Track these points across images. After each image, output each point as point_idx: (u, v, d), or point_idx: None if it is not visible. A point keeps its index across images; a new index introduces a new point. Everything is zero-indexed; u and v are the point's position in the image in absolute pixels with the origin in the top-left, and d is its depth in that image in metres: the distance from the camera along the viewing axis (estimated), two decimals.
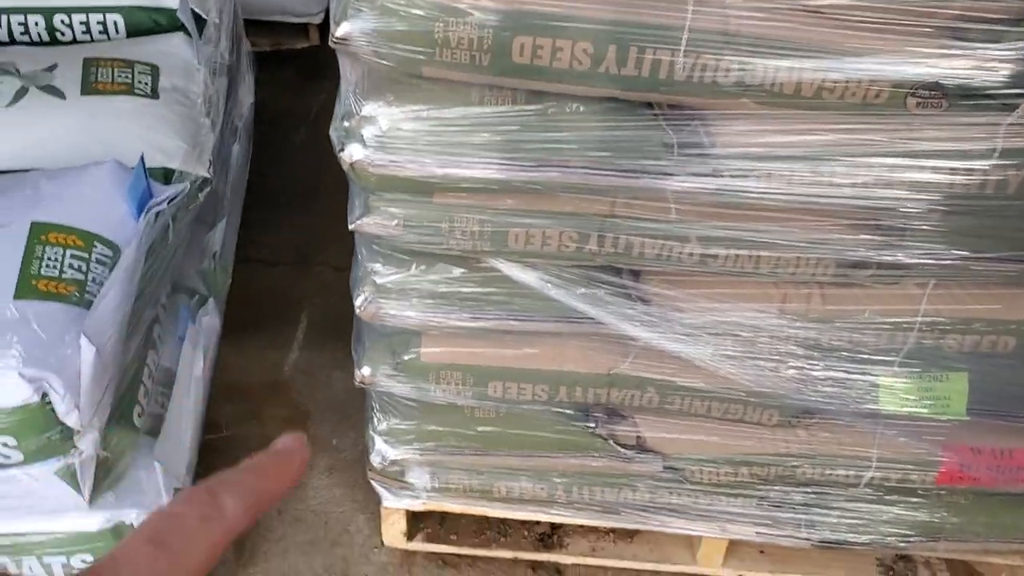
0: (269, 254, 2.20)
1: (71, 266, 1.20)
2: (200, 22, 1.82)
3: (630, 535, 1.62)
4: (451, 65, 1.00)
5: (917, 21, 0.93)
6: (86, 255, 1.23)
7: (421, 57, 0.99)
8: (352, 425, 1.83)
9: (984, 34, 0.94)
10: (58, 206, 1.28)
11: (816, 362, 1.22)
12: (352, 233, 1.27)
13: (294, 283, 2.14)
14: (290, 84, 2.67)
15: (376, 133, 1.06)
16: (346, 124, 1.08)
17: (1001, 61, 0.94)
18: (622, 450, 1.38)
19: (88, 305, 1.17)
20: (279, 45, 2.83)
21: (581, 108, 1.03)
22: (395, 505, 1.54)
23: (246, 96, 2.09)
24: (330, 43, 1.01)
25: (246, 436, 1.80)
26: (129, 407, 1.29)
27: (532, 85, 1.02)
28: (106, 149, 1.43)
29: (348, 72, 1.07)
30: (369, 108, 1.06)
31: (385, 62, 1.01)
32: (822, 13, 0.93)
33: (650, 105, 1.05)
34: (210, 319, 1.62)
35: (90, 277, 1.21)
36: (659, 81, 0.99)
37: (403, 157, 1.07)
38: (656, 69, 0.98)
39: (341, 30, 1.00)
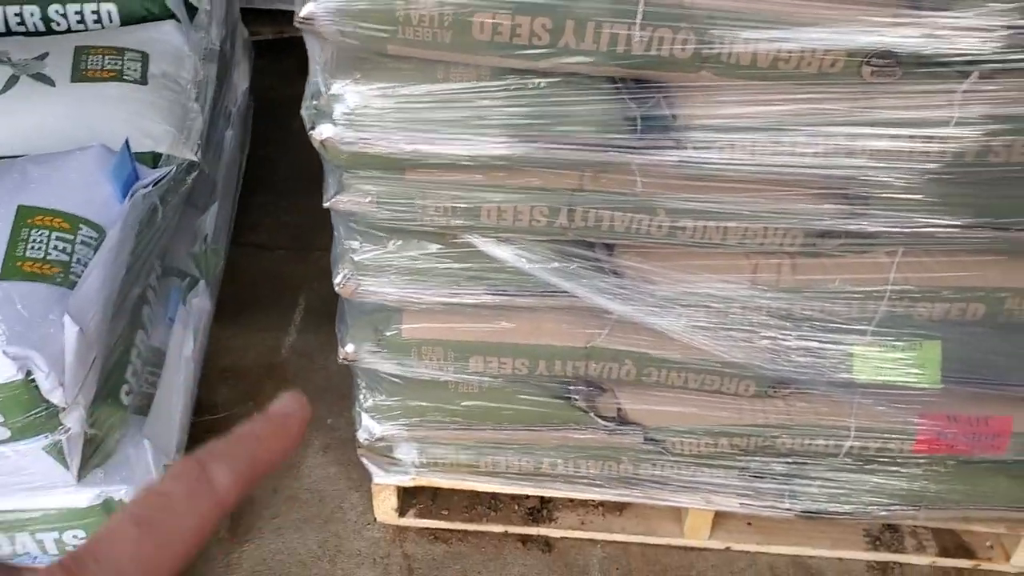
0: (268, 239, 2.23)
1: (56, 248, 1.23)
2: (191, 10, 1.85)
3: (619, 508, 1.64)
4: (414, 43, 1.02)
5: None
6: (71, 237, 1.26)
7: (384, 35, 1.01)
8: (348, 406, 1.85)
9: (936, 2, 0.94)
10: (44, 190, 1.31)
11: (789, 332, 1.24)
12: None
13: (293, 268, 2.17)
14: (292, 71, 2.67)
15: (345, 111, 1.08)
16: (316, 103, 1.11)
17: (953, 29, 0.94)
18: (603, 422, 1.39)
19: (72, 285, 1.20)
20: (282, 33, 2.85)
21: (543, 83, 1.05)
22: (385, 481, 1.57)
23: (241, 82, 2.12)
24: (295, 23, 1.03)
25: (241, 417, 1.81)
26: (117, 386, 1.32)
27: (494, 61, 1.04)
28: (94, 135, 1.46)
29: (316, 52, 1.09)
30: (337, 87, 1.08)
31: (350, 41, 1.03)
32: None
33: (612, 80, 1.07)
34: (200, 301, 1.65)
35: (75, 258, 1.24)
36: (617, 55, 1.00)
37: (372, 134, 1.09)
38: (614, 43, 0.99)
39: (305, 9, 1.02)
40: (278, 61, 2.69)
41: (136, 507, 0.29)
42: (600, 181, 1.12)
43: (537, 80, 1.05)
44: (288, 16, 2.80)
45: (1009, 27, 0.94)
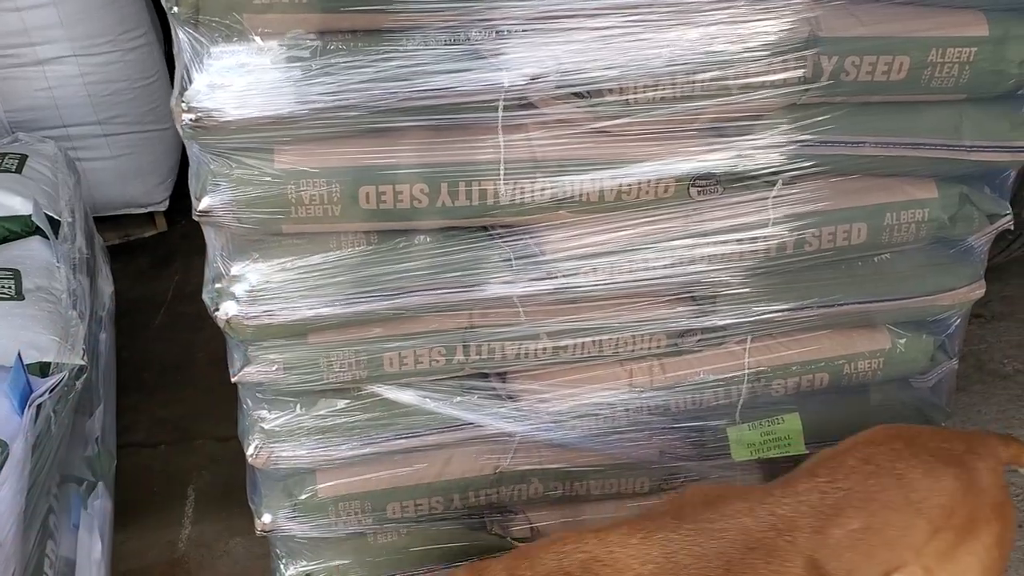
0: (147, 436, 2.22)
1: None
2: (54, 224, 1.90)
3: None
4: (307, 219, 1.14)
5: (683, 127, 1.15)
6: None
7: (279, 216, 1.13)
8: None
9: (738, 129, 1.16)
10: None
11: (669, 426, 1.38)
12: (231, 403, 1.37)
13: (178, 460, 2.16)
14: (144, 271, 2.74)
15: (247, 289, 1.18)
16: (217, 286, 1.20)
17: (755, 149, 1.16)
18: (519, 544, 1.48)
19: None
20: (128, 236, 2.90)
21: (428, 239, 1.19)
22: None
23: (105, 287, 2.16)
24: (194, 217, 1.14)
25: None
26: None
27: (381, 226, 1.18)
28: None
29: (213, 239, 1.19)
30: (237, 268, 1.18)
31: (247, 226, 1.14)
32: (608, 132, 1.13)
33: (485, 228, 1.22)
34: (101, 502, 1.65)
35: None
36: (488, 207, 1.16)
37: (275, 306, 1.19)
38: (484, 197, 1.15)
39: (203, 204, 1.12)
40: (128, 264, 2.74)
41: None
42: (488, 316, 1.25)
43: (422, 236, 1.19)
44: (132, 219, 2.90)
45: (795, 142, 1.17)
